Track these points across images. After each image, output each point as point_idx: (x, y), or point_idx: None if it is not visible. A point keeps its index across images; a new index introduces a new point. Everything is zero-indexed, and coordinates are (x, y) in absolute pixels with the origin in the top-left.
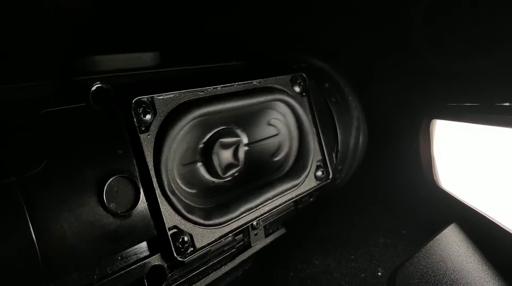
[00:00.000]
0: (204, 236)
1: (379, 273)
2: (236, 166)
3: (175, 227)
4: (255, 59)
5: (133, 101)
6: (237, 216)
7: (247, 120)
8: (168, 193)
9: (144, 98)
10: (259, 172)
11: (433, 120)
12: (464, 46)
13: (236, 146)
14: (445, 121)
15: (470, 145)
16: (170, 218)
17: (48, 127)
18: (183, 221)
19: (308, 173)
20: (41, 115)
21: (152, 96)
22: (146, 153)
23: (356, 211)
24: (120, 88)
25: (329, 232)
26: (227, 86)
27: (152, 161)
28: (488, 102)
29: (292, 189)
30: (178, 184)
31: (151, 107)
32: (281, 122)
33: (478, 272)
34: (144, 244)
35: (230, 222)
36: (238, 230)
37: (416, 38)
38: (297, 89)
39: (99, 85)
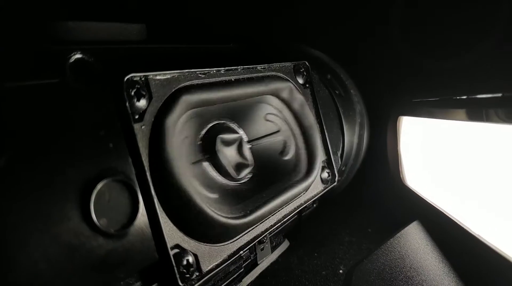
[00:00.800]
0: (211, 255)
1: (341, 271)
2: (247, 165)
3: (177, 246)
4: (252, 44)
5: (125, 78)
6: (249, 227)
7: (242, 114)
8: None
9: (137, 76)
10: (276, 174)
11: (399, 117)
12: (440, 44)
13: (239, 143)
14: (411, 117)
15: (433, 142)
16: (171, 234)
17: (10, 109)
18: (186, 238)
19: (316, 175)
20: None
21: (146, 75)
22: (141, 150)
23: (323, 208)
24: (106, 63)
25: (295, 230)
26: (231, 69)
27: (147, 160)
28: (448, 96)
29: (300, 195)
30: (195, 188)
31: (145, 89)
32: (278, 117)
33: (434, 270)
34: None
35: (240, 236)
36: (248, 246)
37: (393, 34)
38: (300, 79)
39: (80, 56)
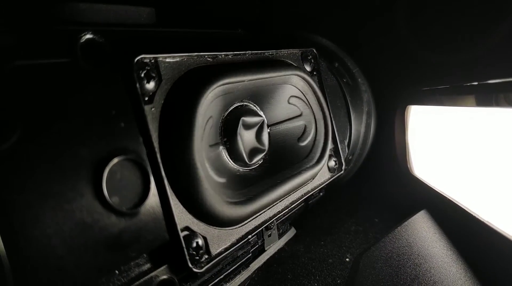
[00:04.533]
0: (220, 239)
1: (347, 259)
2: (261, 151)
3: (186, 228)
4: (260, 31)
5: (135, 60)
6: (256, 213)
7: (264, 96)
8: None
9: (147, 58)
10: (287, 160)
11: (407, 106)
12: (447, 36)
13: (260, 126)
14: (419, 106)
15: (441, 131)
16: (181, 216)
17: (21, 87)
18: (195, 221)
19: (324, 164)
20: (11, 70)
21: (156, 57)
22: (151, 131)
23: (330, 198)
24: (116, 44)
25: (301, 219)
26: (239, 54)
27: (158, 141)
28: (458, 83)
29: (308, 182)
30: (207, 171)
31: (155, 71)
32: (302, 101)
33: (442, 257)
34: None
35: (248, 220)
36: (256, 231)
37: (400, 26)
38: (307, 67)
39: (90, 36)
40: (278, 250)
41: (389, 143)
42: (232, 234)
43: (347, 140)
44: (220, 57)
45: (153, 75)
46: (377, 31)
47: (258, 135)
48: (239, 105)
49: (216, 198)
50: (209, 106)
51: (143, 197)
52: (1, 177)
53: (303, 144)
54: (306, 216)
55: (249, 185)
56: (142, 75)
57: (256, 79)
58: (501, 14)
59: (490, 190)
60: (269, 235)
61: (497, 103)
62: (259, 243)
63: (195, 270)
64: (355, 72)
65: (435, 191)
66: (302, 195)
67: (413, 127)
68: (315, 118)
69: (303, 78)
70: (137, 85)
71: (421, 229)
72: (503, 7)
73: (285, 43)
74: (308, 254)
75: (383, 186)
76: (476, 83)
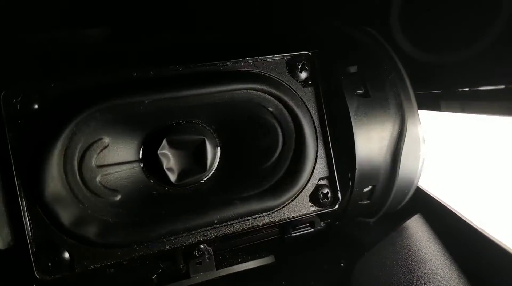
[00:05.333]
0: (95, 257)
1: (342, 264)
2: (198, 172)
3: (47, 241)
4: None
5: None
6: (161, 237)
7: (223, 113)
8: (47, 197)
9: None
10: (237, 183)
11: None
12: (441, 38)
13: (199, 146)
14: None
15: (434, 135)
16: (39, 228)
17: None
18: (61, 236)
19: (299, 194)
20: None
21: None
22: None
23: None
24: None
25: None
26: (190, 66)
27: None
28: (450, 89)
29: (266, 213)
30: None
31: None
32: (273, 117)
33: (436, 263)
34: None
35: (146, 243)
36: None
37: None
38: (300, 75)
39: None
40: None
41: None
42: (113, 255)
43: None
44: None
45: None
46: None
47: (197, 155)
48: (174, 123)
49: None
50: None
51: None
52: None
53: (264, 166)
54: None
55: (160, 205)
56: None
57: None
58: (494, 16)
59: (483, 195)
60: (198, 263)
61: (491, 111)
62: (181, 268)
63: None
64: (390, 78)
65: (429, 195)
66: (250, 227)
67: None
68: (285, 137)
69: (267, 92)
70: None
71: (415, 234)
72: (496, 9)
73: (279, 46)
74: (302, 260)
75: None
76: (467, 89)
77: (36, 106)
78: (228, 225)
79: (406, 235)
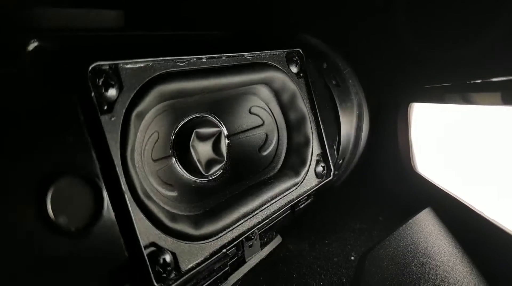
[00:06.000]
0: (191, 254)
1: (352, 257)
2: (220, 162)
3: (152, 244)
4: (240, 31)
5: (90, 67)
6: (231, 225)
7: (224, 107)
8: (142, 197)
9: (106, 65)
10: (249, 170)
11: (410, 104)
12: (447, 34)
13: (217, 137)
14: (422, 104)
15: (445, 128)
16: (145, 232)
17: None
18: (162, 236)
19: (308, 169)
20: None
21: (116, 63)
22: (110, 142)
23: (332, 196)
24: (70, 51)
25: (304, 217)
26: (214, 57)
27: (119, 153)
28: (461, 81)
29: (291, 189)
30: (152, 185)
31: (115, 78)
32: (264, 110)
33: (448, 256)
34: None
35: (223, 233)
36: (233, 244)
37: (398, 23)
38: (293, 68)
39: (39, 43)
40: (282, 250)
41: (392, 141)
42: (206, 248)
43: (336, 145)
44: (192, 61)
45: (112, 82)
46: (374, 30)
47: (216, 146)
48: (195, 117)
49: (167, 212)
50: (155, 117)
51: (95, 215)
52: None
53: (265, 153)
54: (309, 213)
55: (205, 197)
56: (99, 83)
57: (223, 85)
58: (501, 9)
59: (495, 187)
60: (250, 246)
61: (504, 101)
62: (239, 255)
63: None
64: (346, 73)
65: (440, 188)
66: (286, 203)
67: (416, 125)
68: (277, 127)
69: (282, 81)
70: (93, 94)
71: (426, 227)
72: (503, 2)
73: (267, 43)
74: (312, 253)
75: (387, 184)
76: (480, 81)
77: (114, 92)
78: (270, 205)
79: (417, 228)
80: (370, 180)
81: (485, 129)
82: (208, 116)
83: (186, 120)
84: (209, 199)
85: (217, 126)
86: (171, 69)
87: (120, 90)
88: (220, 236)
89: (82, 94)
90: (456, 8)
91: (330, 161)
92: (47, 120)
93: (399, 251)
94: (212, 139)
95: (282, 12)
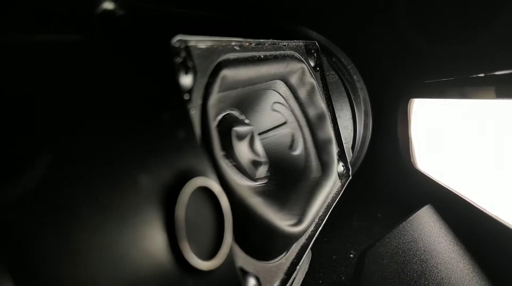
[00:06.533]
0: (272, 275)
1: (351, 255)
2: (261, 163)
3: (240, 269)
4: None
5: (173, 42)
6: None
7: (249, 103)
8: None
9: (181, 42)
10: (290, 171)
11: (410, 100)
12: (448, 29)
13: (251, 137)
14: (423, 99)
15: (445, 125)
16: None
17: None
18: (247, 258)
19: (336, 168)
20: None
21: (188, 41)
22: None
23: None
24: (139, 20)
25: None
26: (261, 43)
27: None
28: (463, 75)
29: (332, 190)
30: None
31: (190, 60)
32: (285, 107)
33: (448, 253)
34: None
35: (291, 248)
36: (302, 257)
37: (399, 18)
38: (311, 61)
39: (110, 6)
40: None
41: (392, 137)
42: (281, 267)
43: (351, 142)
44: (245, 45)
45: (190, 65)
46: (377, 26)
47: (252, 146)
48: (226, 115)
49: (271, 224)
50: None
51: (219, 239)
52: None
53: (296, 153)
54: None
55: (281, 202)
56: (179, 64)
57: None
58: (502, 4)
59: (496, 183)
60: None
61: (507, 95)
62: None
63: None
64: (349, 68)
65: (440, 185)
66: (326, 207)
67: (416, 121)
68: (299, 125)
69: (303, 72)
70: (179, 78)
71: (427, 224)
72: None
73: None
74: (312, 250)
75: (386, 180)
76: (482, 74)
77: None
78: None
79: (417, 225)
80: (369, 177)
81: (485, 124)
82: (234, 113)
83: (221, 117)
84: (289, 206)
85: (248, 124)
86: (231, 54)
87: (195, 75)
88: (289, 251)
89: (164, 77)
90: (457, 3)
91: (348, 160)
92: (143, 109)
93: (399, 248)
94: (247, 139)
95: (279, 4)
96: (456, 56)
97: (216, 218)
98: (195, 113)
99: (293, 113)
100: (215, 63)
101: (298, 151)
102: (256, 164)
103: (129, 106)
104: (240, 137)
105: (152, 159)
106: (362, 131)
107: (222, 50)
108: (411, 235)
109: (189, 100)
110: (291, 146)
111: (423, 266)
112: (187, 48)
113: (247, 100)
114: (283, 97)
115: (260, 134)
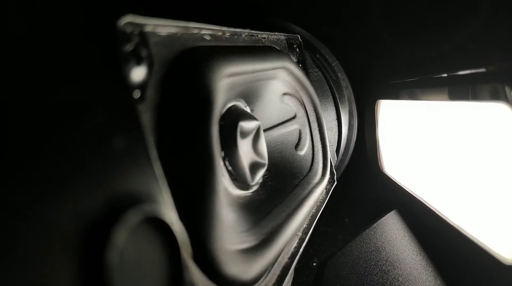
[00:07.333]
0: None
1: (314, 263)
2: (262, 165)
3: None
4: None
5: (119, 24)
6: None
7: (256, 93)
8: None
9: (133, 25)
10: (290, 175)
11: (377, 101)
12: (421, 30)
13: (256, 134)
14: (390, 101)
15: (413, 127)
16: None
17: None
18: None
19: (328, 173)
20: None
21: (143, 25)
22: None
23: None
24: None
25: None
26: (237, 33)
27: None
28: (427, 75)
29: (317, 201)
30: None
31: (144, 48)
32: (295, 99)
33: (411, 263)
34: None
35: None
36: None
37: (375, 16)
38: (293, 57)
39: None
40: None
41: (359, 140)
42: None
43: (335, 145)
44: (217, 34)
45: (143, 55)
46: (352, 21)
47: (255, 145)
48: (232, 106)
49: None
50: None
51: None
52: None
53: (302, 153)
54: None
55: (259, 216)
56: (128, 52)
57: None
58: (472, 9)
59: (460, 191)
60: None
61: (473, 96)
62: None
63: None
64: (334, 65)
65: (405, 190)
66: (311, 219)
67: (384, 123)
68: (308, 120)
69: (291, 71)
70: (127, 71)
71: (391, 232)
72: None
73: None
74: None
75: (354, 184)
76: (446, 75)
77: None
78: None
79: (380, 233)
80: (338, 180)
81: (452, 128)
82: (240, 104)
83: (225, 110)
84: (264, 221)
85: (255, 119)
86: (201, 43)
87: (150, 67)
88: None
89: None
90: (432, 6)
91: (333, 164)
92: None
93: (360, 258)
94: (251, 136)
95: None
96: (423, 57)
97: (169, 257)
98: (148, 114)
99: (303, 107)
100: (175, 52)
101: (303, 151)
102: (256, 167)
103: (44, 104)
104: (244, 134)
105: (71, 182)
106: (347, 133)
107: (188, 39)
108: (374, 244)
109: (141, 98)
110: (297, 145)
111: (384, 278)
112: (142, 34)
113: (254, 90)
114: (293, 87)
115: (267, 129)
